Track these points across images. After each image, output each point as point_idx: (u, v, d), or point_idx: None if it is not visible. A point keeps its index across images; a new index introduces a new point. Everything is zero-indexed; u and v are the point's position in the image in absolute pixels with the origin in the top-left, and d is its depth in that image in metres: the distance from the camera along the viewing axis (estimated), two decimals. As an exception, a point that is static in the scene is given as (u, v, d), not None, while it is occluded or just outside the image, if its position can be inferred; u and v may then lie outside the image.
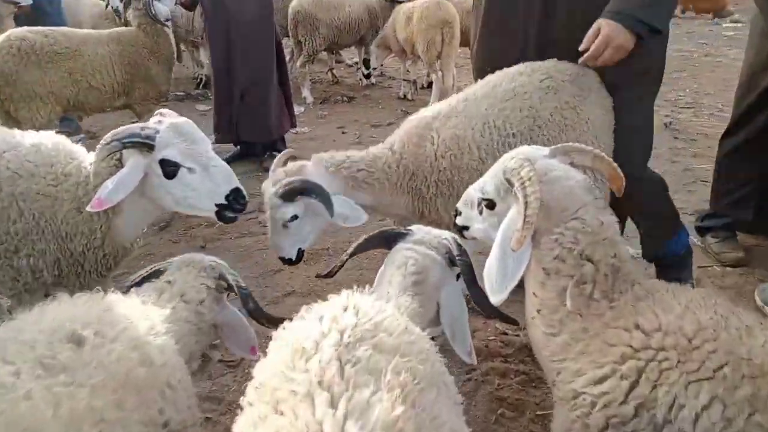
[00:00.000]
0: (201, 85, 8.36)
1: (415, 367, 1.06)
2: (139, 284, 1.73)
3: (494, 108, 2.54)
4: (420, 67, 8.23)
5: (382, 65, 8.79)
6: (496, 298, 1.50)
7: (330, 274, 1.97)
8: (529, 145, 2.47)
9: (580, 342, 1.40)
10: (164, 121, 2.15)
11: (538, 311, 1.52)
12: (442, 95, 7.36)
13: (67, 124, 6.43)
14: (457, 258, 1.72)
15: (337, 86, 8.78)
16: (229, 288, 1.83)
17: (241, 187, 2.20)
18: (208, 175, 2.12)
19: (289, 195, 2.38)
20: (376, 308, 1.22)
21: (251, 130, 5.29)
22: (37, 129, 2.35)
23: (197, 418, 1.45)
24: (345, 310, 1.19)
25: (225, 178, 2.16)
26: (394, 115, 7.15)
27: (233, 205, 2.17)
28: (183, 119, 2.20)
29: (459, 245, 1.78)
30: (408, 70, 8.22)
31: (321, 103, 7.74)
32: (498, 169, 1.67)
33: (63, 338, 1.17)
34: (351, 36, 7.93)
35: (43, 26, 4.50)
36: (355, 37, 8.04)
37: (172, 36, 4.94)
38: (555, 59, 2.63)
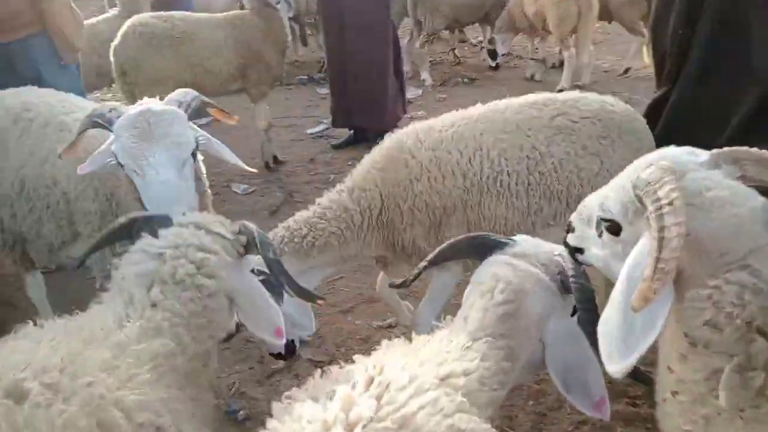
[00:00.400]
0: (324, 69, 8.35)
1: None
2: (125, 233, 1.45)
3: (491, 136, 2.21)
4: (551, 43, 7.50)
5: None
6: (614, 367, 1.06)
7: (405, 284, 1.63)
8: (526, 189, 2.16)
9: None
10: (144, 106, 1.88)
11: (674, 394, 1.07)
12: (576, 74, 6.67)
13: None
14: (571, 281, 1.28)
15: (459, 67, 8.32)
16: (249, 247, 1.48)
17: (168, 214, 1.65)
18: (144, 183, 1.76)
19: None
20: (413, 387, 0.88)
21: (366, 116, 5.21)
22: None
23: None
24: (367, 386, 0.87)
25: (154, 196, 1.74)
26: (520, 98, 6.61)
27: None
28: (158, 108, 1.85)
29: (577, 264, 1.34)
30: (536, 48, 7.53)
31: (440, 85, 7.38)
32: (626, 180, 1.19)
33: (0, 391, 0.96)
34: (474, 13, 7.44)
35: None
36: (479, 14, 7.53)
37: (286, 20, 4.87)
38: (577, 91, 2.34)
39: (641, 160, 1.21)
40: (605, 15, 6.79)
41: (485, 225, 2.22)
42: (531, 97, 2.33)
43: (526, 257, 1.34)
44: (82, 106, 2.39)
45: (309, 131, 6.19)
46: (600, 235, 1.30)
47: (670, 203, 1.01)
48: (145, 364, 1.16)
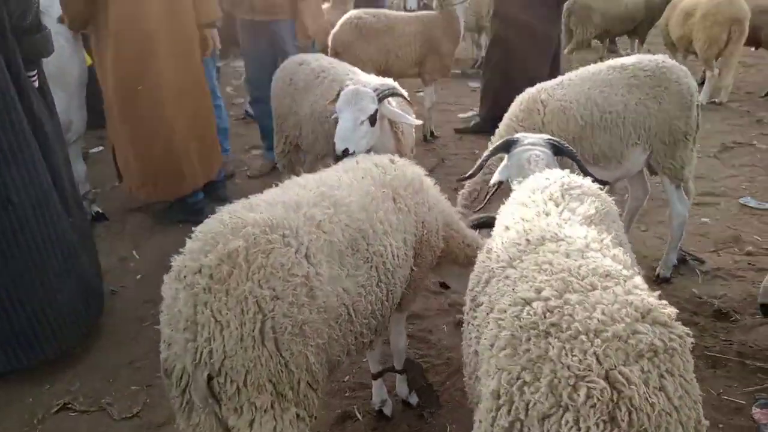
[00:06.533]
0: (477, 65, 9.46)
1: (600, 208, 1.78)
2: None
3: (595, 89, 3.23)
4: (694, 63, 7.93)
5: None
6: None
7: (472, 175, 2.64)
8: (622, 121, 3.18)
9: None
10: (357, 86, 2.85)
11: None
12: (714, 92, 7.11)
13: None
14: (564, 147, 2.42)
15: (603, 75, 8.95)
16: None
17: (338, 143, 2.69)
18: (338, 126, 2.78)
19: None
20: (580, 181, 1.94)
21: None
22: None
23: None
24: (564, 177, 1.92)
25: (337, 133, 2.71)
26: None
27: None
28: (360, 90, 2.79)
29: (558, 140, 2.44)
30: (679, 65, 7.99)
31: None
32: None
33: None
34: (625, 25, 8.09)
35: (372, 8, 6.02)
36: (629, 27, 8.16)
37: (462, 19, 6.03)
38: (640, 55, 3.34)
39: None
40: (756, 41, 7.10)
41: (595, 149, 3.19)
42: (611, 63, 3.33)
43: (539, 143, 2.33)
44: (353, 71, 3.74)
45: (460, 115, 7.36)
46: None
47: None
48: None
